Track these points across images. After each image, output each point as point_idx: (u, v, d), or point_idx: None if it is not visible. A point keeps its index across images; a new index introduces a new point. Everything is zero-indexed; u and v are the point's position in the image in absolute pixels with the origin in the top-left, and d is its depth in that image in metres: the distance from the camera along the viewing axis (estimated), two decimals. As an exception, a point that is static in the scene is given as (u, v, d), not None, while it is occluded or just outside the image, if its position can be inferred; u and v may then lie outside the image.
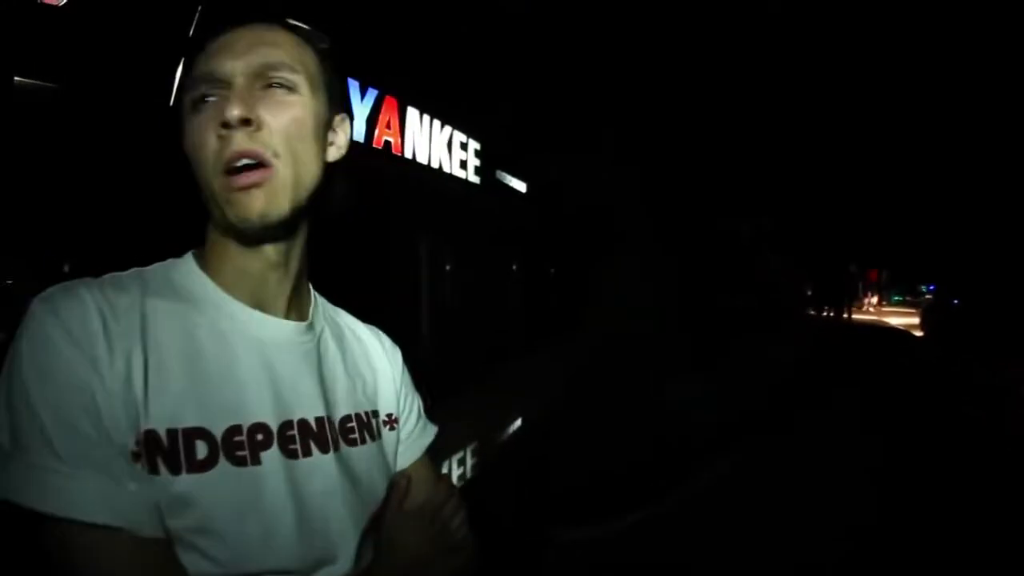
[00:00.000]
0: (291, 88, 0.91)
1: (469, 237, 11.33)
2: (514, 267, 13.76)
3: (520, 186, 13.38)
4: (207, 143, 0.86)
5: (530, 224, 13.91)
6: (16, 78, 4.01)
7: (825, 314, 36.75)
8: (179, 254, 0.98)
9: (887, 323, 35.68)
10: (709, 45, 15.80)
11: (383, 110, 8.19)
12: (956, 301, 25.33)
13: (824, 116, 24.94)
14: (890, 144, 29.04)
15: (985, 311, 21.64)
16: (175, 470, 0.79)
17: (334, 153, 1.01)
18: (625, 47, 14.03)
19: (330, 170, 0.99)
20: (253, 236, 0.91)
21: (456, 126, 10.33)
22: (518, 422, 7.63)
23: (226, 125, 0.85)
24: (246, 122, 0.85)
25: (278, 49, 0.91)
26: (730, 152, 21.24)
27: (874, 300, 56.78)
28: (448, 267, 10.69)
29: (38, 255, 3.99)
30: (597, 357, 12.56)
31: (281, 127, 0.89)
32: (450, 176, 10.27)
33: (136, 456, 0.77)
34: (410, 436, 1.16)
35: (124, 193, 4.28)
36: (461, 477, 5.34)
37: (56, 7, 4.09)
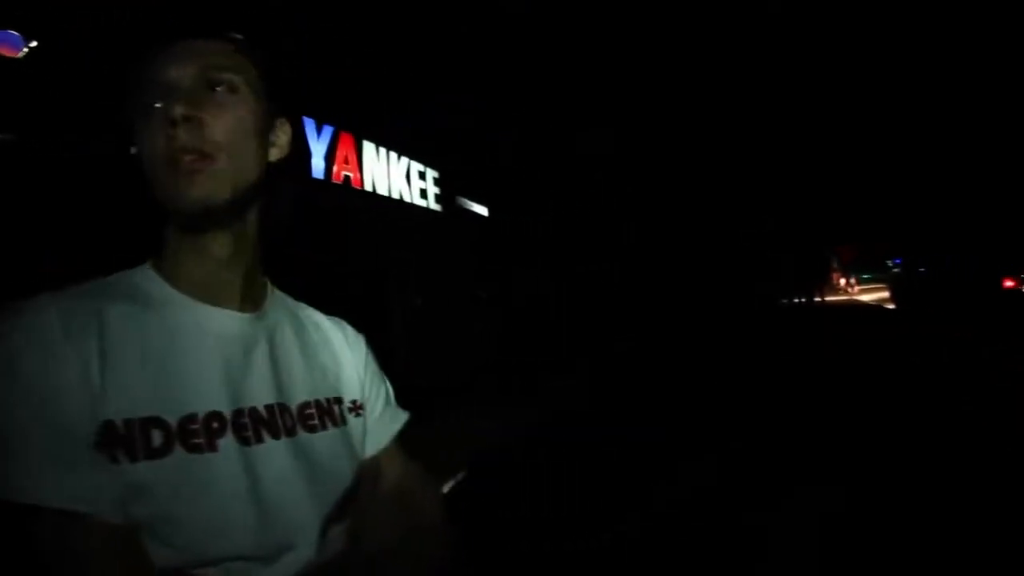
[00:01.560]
0: (232, 90, 0.98)
1: (435, 265, 11.40)
2: (483, 295, 13.79)
3: (482, 210, 13.49)
4: (157, 142, 0.92)
5: (496, 249, 13.99)
6: None
7: (798, 301, 36.90)
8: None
9: (861, 300, 35.92)
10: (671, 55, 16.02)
11: (340, 146, 8.33)
12: (922, 270, 25.61)
13: (790, 104, 25.29)
14: (849, 121, 29.50)
15: (951, 274, 22.02)
16: (133, 458, 0.83)
17: (276, 153, 1.07)
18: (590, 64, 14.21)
19: (272, 169, 1.06)
20: (198, 225, 0.97)
21: (413, 156, 10.49)
22: (496, 438, 7.63)
23: (173, 123, 0.91)
24: (188, 119, 0.92)
25: (218, 56, 0.98)
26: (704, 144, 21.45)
27: (852, 281, 57.00)
28: (418, 298, 10.73)
29: None
30: (578, 372, 12.62)
31: (222, 125, 0.95)
32: (411, 206, 10.40)
33: (97, 445, 0.81)
34: (378, 421, 1.19)
35: (81, 235, 4.34)
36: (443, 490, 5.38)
37: (15, 59, 4.17)
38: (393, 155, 9.85)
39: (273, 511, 0.92)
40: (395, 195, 9.88)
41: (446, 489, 5.31)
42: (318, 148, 7.89)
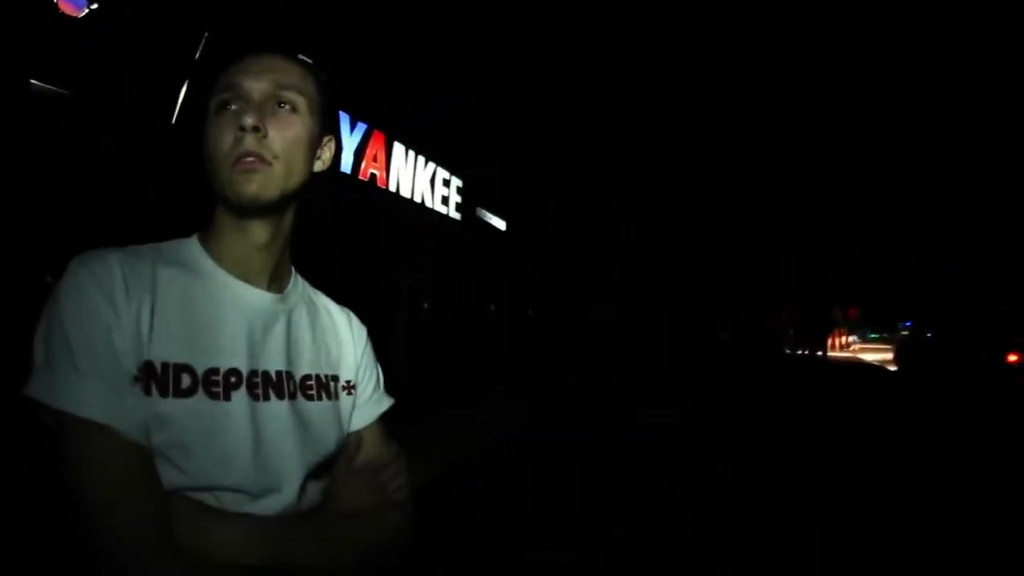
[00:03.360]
0: (293, 108, 1.16)
1: (448, 272, 11.45)
2: (492, 307, 13.85)
3: (500, 224, 13.58)
4: (225, 140, 1.10)
5: (510, 262, 14.05)
6: (32, 81, 4.26)
7: (801, 353, 36.87)
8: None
9: (862, 359, 35.79)
10: (699, 71, 16.03)
11: (370, 144, 8.41)
12: (929, 335, 25.41)
13: (803, 153, 25.24)
14: (863, 183, 29.42)
15: (956, 343, 21.86)
16: (164, 393, 1.02)
17: (319, 166, 1.26)
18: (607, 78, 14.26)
19: (314, 178, 1.25)
20: (246, 213, 1.15)
21: (440, 163, 10.57)
22: (493, 444, 7.66)
23: (242, 129, 1.09)
24: (256, 129, 1.10)
25: (286, 75, 1.17)
26: (712, 189, 21.44)
27: (853, 339, 56.84)
28: (426, 303, 10.78)
29: (40, 249, 4.15)
30: (577, 385, 12.64)
31: (281, 139, 1.13)
32: (432, 211, 10.48)
33: (136, 379, 1.00)
34: (366, 403, 1.37)
35: (127, 191, 4.54)
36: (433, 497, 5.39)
37: (75, 19, 4.30)
38: (421, 159, 9.94)
39: (268, 457, 1.10)
40: (417, 199, 9.95)
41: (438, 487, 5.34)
42: (349, 143, 7.96)
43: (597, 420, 9.83)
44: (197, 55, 5.11)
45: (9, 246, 4.15)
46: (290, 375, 1.20)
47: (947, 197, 28.58)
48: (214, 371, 1.08)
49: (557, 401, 11.60)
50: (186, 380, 1.04)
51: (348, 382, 1.34)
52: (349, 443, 1.30)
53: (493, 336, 13.44)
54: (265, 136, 1.11)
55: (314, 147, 1.22)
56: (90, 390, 0.95)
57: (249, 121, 1.09)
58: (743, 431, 9.43)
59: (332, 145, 1.29)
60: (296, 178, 1.18)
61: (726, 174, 21.94)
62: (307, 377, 1.24)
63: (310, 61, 1.25)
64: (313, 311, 1.34)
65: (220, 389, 1.08)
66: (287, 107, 1.16)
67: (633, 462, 7.04)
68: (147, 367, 1.01)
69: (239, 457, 1.07)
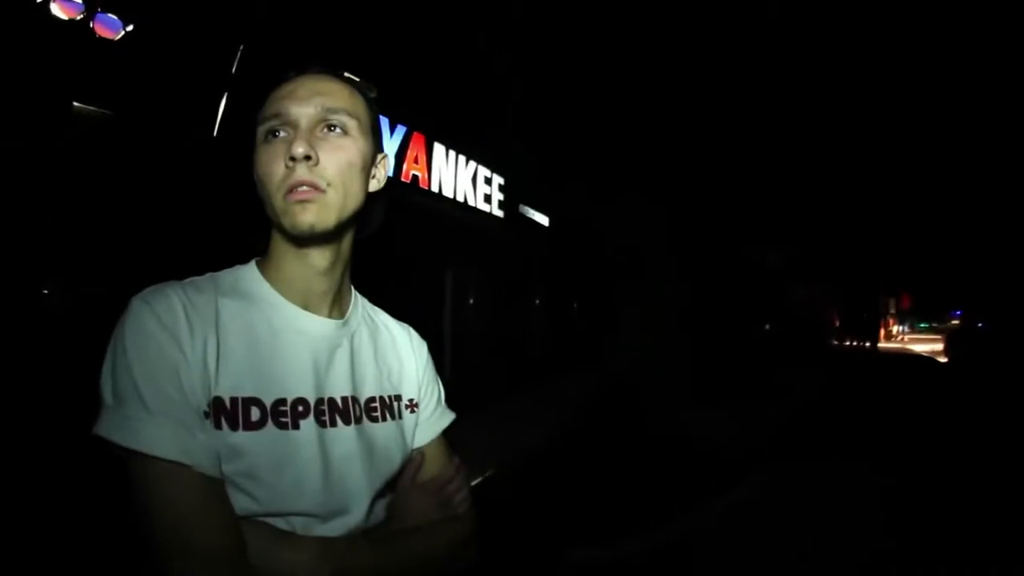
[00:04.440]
0: (344, 131, 1.14)
1: (493, 269, 11.44)
2: (537, 301, 13.82)
3: (543, 220, 13.51)
4: (276, 171, 1.10)
5: (553, 257, 14.00)
6: (75, 103, 4.36)
7: (851, 344, 36.24)
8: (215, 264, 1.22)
9: (911, 351, 35.15)
10: (735, 72, 15.85)
11: (411, 146, 8.38)
12: (981, 325, 24.82)
13: (849, 144, 24.87)
14: (913, 170, 28.88)
15: (1012, 333, 21.31)
16: (234, 427, 1.03)
17: (374, 185, 1.25)
18: (646, 80, 14.15)
19: (371, 198, 1.24)
20: (304, 242, 1.15)
21: (481, 161, 10.53)
22: (537, 442, 7.65)
23: (292, 159, 1.08)
24: (307, 158, 1.08)
25: (335, 98, 1.15)
26: (755, 180, 21.18)
27: (904, 328, 55.72)
28: (471, 300, 10.77)
29: (84, 265, 4.26)
30: (619, 383, 12.57)
31: (334, 164, 1.11)
32: (475, 210, 10.44)
33: (206, 415, 1.01)
34: (428, 419, 1.38)
35: (166, 209, 4.61)
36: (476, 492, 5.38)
37: (112, 41, 4.36)
38: (462, 158, 9.89)
39: (336, 481, 1.12)
40: (460, 198, 9.91)
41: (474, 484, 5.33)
42: (390, 146, 7.94)
43: (640, 418, 9.77)
44: (234, 68, 5.14)
45: (56, 263, 4.23)
46: (355, 399, 1.21)
47: (997, 184, 27.92)
48: (282, 402, 1.09)
49: (599, 398, 11.55)
50: (255, 413, 1.06)
51: (411, 400, 1.35)
52: (413, 460, 1.32)
53: (537, 332, 13.42)
54: (317, 163, 1.10)
55: (368, 168, 1.20)
56: (163, 430, 0.96)
57: (300, 151, 1.08)
58: (788, 428, 9.28)
59: (386, 162, 1.29)
60: (353, 202, 1.16)
61: (774, 164, 21.66)
62: (371, 399, 1.25)
63: (357, 79, 1.23)
64: (374, 331, 1.34)
65: (288, 419, 1.09)
66: (338, 130, 1.14)
67: (676, 461, 6.98)
68: (216, 402, 1.03)
69: (309, 483, 1.08)
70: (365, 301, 1.38)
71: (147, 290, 1.06)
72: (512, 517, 4.98)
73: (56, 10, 4.18)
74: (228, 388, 1.05)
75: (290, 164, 1.08)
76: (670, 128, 15.57)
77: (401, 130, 8.15)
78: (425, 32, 8.76)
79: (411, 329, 1.45)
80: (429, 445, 1.36)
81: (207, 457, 0.98)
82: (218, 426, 1.02)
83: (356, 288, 1.36)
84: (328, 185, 1.11)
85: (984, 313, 26.32)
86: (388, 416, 1.27)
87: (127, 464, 0.97)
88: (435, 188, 9.10)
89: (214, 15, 5.05)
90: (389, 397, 1.29)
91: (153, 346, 1.00)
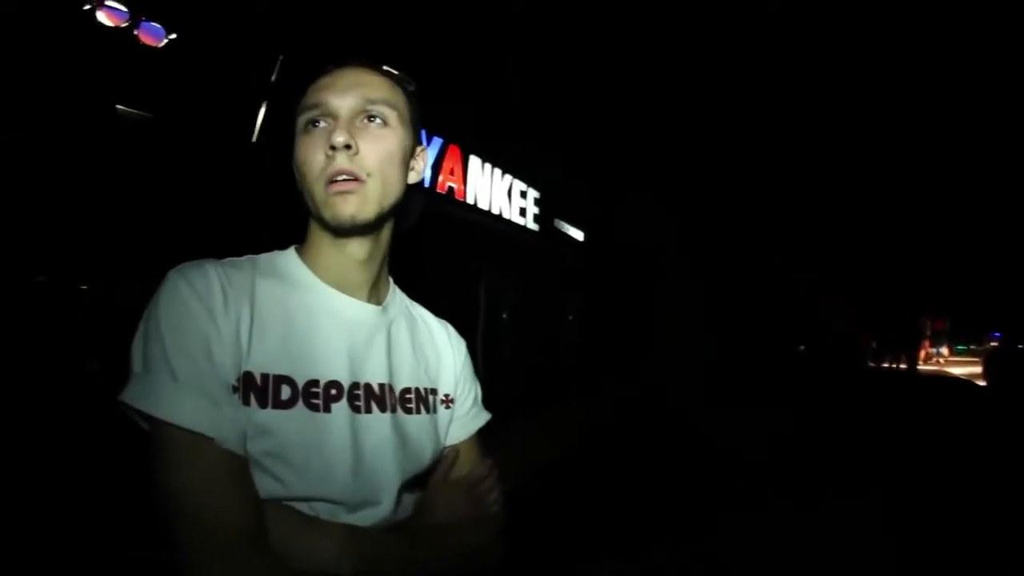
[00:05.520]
0: (384, 122, 1.14)
1: (527, 282, 11.45)
2: (570, 316, 13.81)
3: (578, 235, 13.52)
4: (315, 160, 1.10)
5: (586, 272, 13.99)
6: (118, 106, 4.48)
7: (888, 366, 35.65)
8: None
9: (949, 372, 34.56)
10: (778, 92, 15.77)
11: (447, 157, 8.43)
12: (1021, 347, 24.26)
13: (888, 166, 24.64)
14: (953, 192, 28.53)
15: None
16: (263, 404, 1.01)
17: (413, 177, 1.25)
18: (684, 97, 14.13)
19: (409, 189, 1.23)
20: (344, 232, 1.14)
21: (516, 175, 10.57)
22: (564, 452, 7.66)
23: (333, 148, 1.08)
24: (347, 147, 1.08)
25: (374, 89, 1.15)
26: (792, 198, 21.04)
27: (944, 351, 54.75)
28: (505, 313, 10.78)
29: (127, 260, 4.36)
30: (648, 398, 12.54)
31: (374, 154, 1.11)
32: (509, 222, 10.47)
33: (235, 389, 1.00)
34: (464, 417, 1.36)
35: (206, 208, 4.73)
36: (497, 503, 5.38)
37: (155, 48, 4.47)
38: (497, 171, 9.94)
39: (366, 470, 1.09)
40: (495, 210, 9.94)
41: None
42: (427, 157, 7.99)
43: (664, 434, 9.71)
44: (273, 77, 5.23)
45: (99, 262, 4.33)
46: (391, 388, 1.19)
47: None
48: (314, 383, 1.07)
49: (625, 414, 11.51)
50: (286, 391, 1.04)
51: (447, 395, 1.33)
52: (446, 456, 1.30)
53: (569, 345, 13.41)
54: (357, 153, 1.09)
55: (407, 159, 1.20)
56: (189, 399, 0.95)
57: (340, 140, 1.07)
58: (814, 449, 9.16)
59: (425, 155, 1.29)
60: (392, 193, 1.16)
61: (812, 182, 21.50)
62: (407, 390, 1.23)
63: (396, 72, 1.22)
64: (412, 323, 1.33)
65: (320, 401, 1.07)
66: (378, 121, 1.14)
67: (698, 478, 6.93)
68: (246, 377, 1.02)
69: (338, 469, 1.06)
70: (404, 295, 1.37)
71: (185, 264, 1.05)
72: (525, 528, 5.00)
73: (102, 17, 4.28)
74: (260, 364, 1.03)
75: (330, 153, 1.08)
76: (704, 144, 15.52)
77: (438, 142, 8.21)
78: (463, 45, 8.82)
79: (449, 325, 1.43)
80: (463, 443, 1.34)
81: (232, 432, 0.96)
82: (246, 402, 1.00)
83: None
84: (368, 175, 1.10)
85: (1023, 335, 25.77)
86: (423, 409, 1.25)
87: (150, 436, 0.96)
88: (470, 200, 9.15)
89: (254, 26, 5.15)
90: (424, 390, 1.27)
91: (186, 317, 0.99)
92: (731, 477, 7.04)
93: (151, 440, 0.95)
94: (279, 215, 1.25)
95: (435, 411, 1.29)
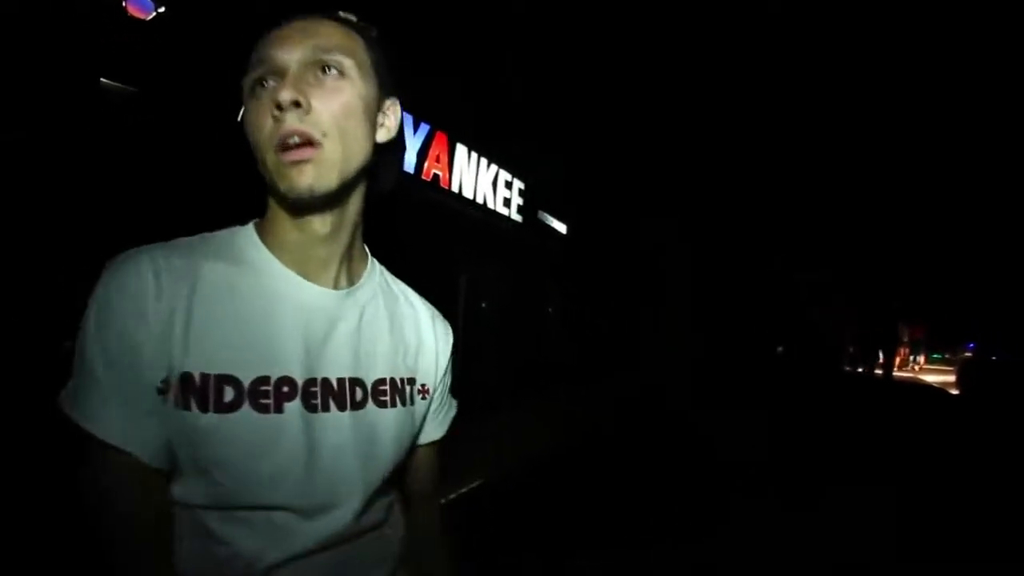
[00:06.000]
0: (340, 72, 0.99)
1: (508, 274, 11.43)
2: (550, 309, 13.82)
3: (561, 227, 13.52)
4: (263, 123, 0.95)
5: (570, 264, 14.00)
6: (102, 79, 4.39)
7: (864, 370, 36.03)
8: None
9: (923, 380, 34.92)
10: (767, 96, 15.80)
11: (433, 145, 8.40)
12: (994, 358, 24.55)
13: (869, 177, 24.78)
14: (929, 203, 28.74)
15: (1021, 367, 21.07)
16: (204, 408, 0.92)
17: (383, 135, 1.09)
18: (675, 92, 14.14)
19: (379, 150, 1.09)
20: (303, 206, 1.01)
21: (502, 165, 10.54)
22: (547, 448, 7.66)
23: (279, 107, 0.93)
24: (296, 104, 0.94)
25: (328, 38, 1.00)
26: (781, 205, 21.15)
27: (920, 359, 55.38)
28: (484, 303, 10.76)
29: (112, 237, 4.31)
30: (637, 387, 12.57)
31: (329, 110, 0.96)
32: (494, 212, 10.46)
33: (161, 391, 0.92)
34: (438, 409, 1.27)
35: (191, 185, 4.67)
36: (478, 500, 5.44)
37: (143, 21, 4.40)
38: (483, 161, 9.91)
39: (323, 475, 1.00)
40: (479, 200, 9.93)
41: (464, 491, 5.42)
42: (412, 143, 7.97)
43: (649, 430, 9.74)
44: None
45: (81, 238, 4.27)
46: (358, 381, 1.07)
47: (1015, 218, 27.75)
48: (263, 380, 0.96)
49: (609, 408, 11.53)
50: (229, 393, 0.94)
51: (423, 385, 1.21)
52: (420, 455, 1.26)
53: (550, 338, 13.41)
54: (309, 111, 0.95)
55: (372, 113, 1.05)
56: (105, 409, 0.90)
57: (287, 96, 0.93)
58: (797, 453, 9.23)
59: (397, 109, 1.12)
60: (357, 156, 1.02)
61: (793, 188, 21.61)
62: (380, 382, 1.11)
63: (353, 18, 1.07)
64: (392, 303, 1.20)
65: (270, 401, 0.96)
66: (333, 72, 0.99)
67: (683, 477, 6.95)
68: (184, 379, 0.92)
69: (289, 474, 0.97)
70: (384, 270, 1.24)
71: (120, 255, 0.96)
72: (513, 522, 5.00)
73: (90, -13, 4.21)
74: (199, 363, 0.93)
75: (277, 114, 0.94)
76: (694, 142, 15.55)
77: (424, 128, 8.17)
78: (453, 34, 8.78)
79: (435, 310, 1.31)
80: (435, 444, 1.29)
81: (149, 444, 0.92)
82: (185, 406, 0.92)
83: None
84: (324, 135, 0.96)
85: (998, 346, 26.06)
86: (398, 401, 1.13)
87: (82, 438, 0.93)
88: (455, 188, 9.13)
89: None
90: (401, 380, 1.15)
91: (110, 315, 0.91)
92: (711, 472, 7.07)
93: (82, 444, 0.93)
94: (259, 193, 1.09)
95: (412, 403, 1.17)
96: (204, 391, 0.92)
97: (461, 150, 9.19)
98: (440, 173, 8.64)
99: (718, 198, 17.52)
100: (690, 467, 7.22)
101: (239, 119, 1.02)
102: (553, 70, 11.66)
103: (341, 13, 1.06)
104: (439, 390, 1.26)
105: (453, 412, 1.32)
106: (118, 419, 0.90)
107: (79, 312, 0.93)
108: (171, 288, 0.94)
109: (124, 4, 4.32)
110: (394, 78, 1.12)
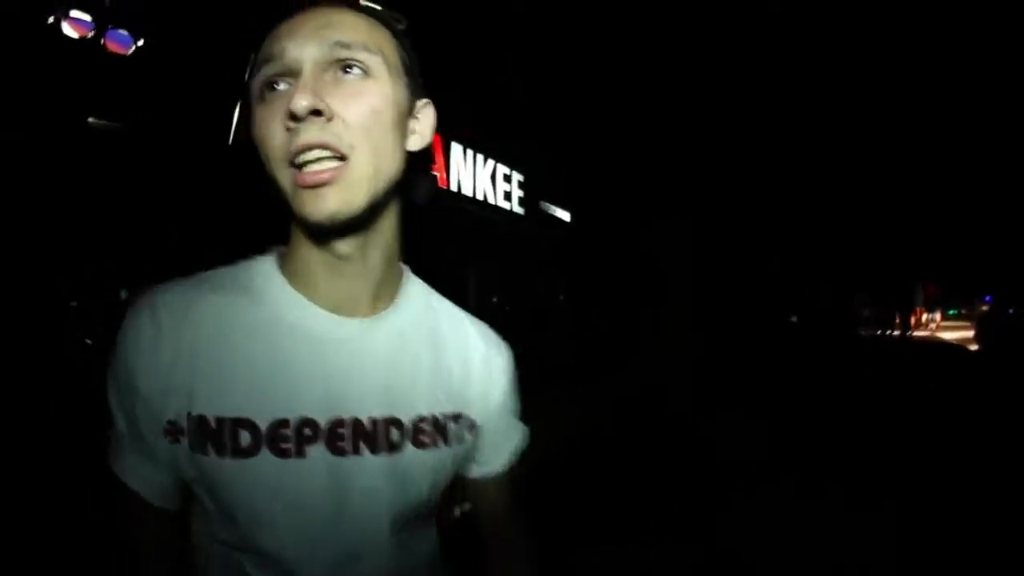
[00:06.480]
0: (366, 72, 0.85)
1: (515, 267, 11.43)
2: (561, 297, 13.80)
3: (565, 216, 13.50)
4: (274, 135, 0.83)
5: (576, 251, 13.98)
6: (90, 119, 4.41)
7: (882, 334, 35.61)
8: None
9: (941, 338, 34.54)
10: (767, 74, 15.73)
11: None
12: (1011, 311, 24.17)
13: (875, 132, 24.58)
14: (940, 154, 28.50)
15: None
16: (221, 453, 0.85)
17: (416, 142, 0.95)
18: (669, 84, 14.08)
19: (411, 159, 0.94)
20: (323, 233, 0.88)
21: (499, 159, 10.53)
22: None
23: (294, 117, 0.80)
24: (316, 113, 0.81)
25: (348, 31, 0.85)
26: (779, 171, 21.00)
27: (936, 316, 54.74)
28: (495, 298, 10.77)
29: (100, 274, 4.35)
30: (639, 386, 12.54)
31: (356, 118, 0.83)
32: (495, 207, 10.44)
33: (168, 433, 0.87)
34: (497, 442, 1.12)
35: (179, 218, 4.71)
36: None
37: (124, 56, 4.41)
38: (480, 157, 9.91)
39: (350, 522, 0.90)
40: (480, 196, 9.92)
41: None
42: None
43: (649, 430, 9.72)
44: (246, 76, 5.20)
45: (75, 275, 4.31)
46: (395, 421, 0.94)
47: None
48: (282, 423, 0.87)
49: (609, 407, 11.54)
50: (246, 437, 0.85)
51: (472, 421, 1.05)
52: (480, 492, 1.13)
53: (561, 330, 13.39)
54: (332, 118, 0.81)
55: (403, 119, 0.91)
56: (123, 456, 0.90)
57: (303, 104, 0.79)
58: (799, 447, 9.11)
59: (430, 111, 0.98)
60: (388, 170, 0.88)
61: (800, 152, 21.48)
62: (421, 419, 0.97)
63: (377, 7, 0.91)
64: (436, 327, 1.05)
65: (291, 445, 0.87)
66: (356, 71, 0.85)
67: (683, 477, 6.93)
68: (200, 423, 0.85)
69: (313, 523, 0.88)
70: (425, 289, 1.09)
71: (137, 296, 0.90)
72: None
73: (67, 29, 4.23)
74: (212, 406, 0.86)
75: (291, 125, 0.81)
76: (689, 131, 15.48)
77: (420, 130, 8.17)
78: (441, 30, 8.76)
79: (490, 331, 1.15)
80: (498, 479, 1.13)
81: (160, 487, 0.90)
82: (203, 451, 0.85)
83: None
84: (352, 147, 0.83)
85: (1015, 298, 25.68)
86: (440, 441, 0.99)
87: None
88: (454, 187, 9.13)
89: (224, 26, 5.09)
90: (445, 416, 1.00)
91: (122, 359, 0.87)
92: (711, 472, 7.05)
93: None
94: (262, 219, 1.02)
95: (459, 441, 1.02)
96: (219, 435, 0.85)
97: (456, 149, 9.21)
98: (437, 174, 8.64)
99: (719, 185, 17.41)
100: (690, 467, 7.18)
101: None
102: (553, 70, 11.62)
103: (363, 1, 0.91)
104: (493, 422, 1.09)
105: (519, 442, 1.15)
106: (133, 465, 0.90)
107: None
108: (177, 330, 0.87)
109: (103, 42, 4.33)
110: (425, 75, 0.98)
